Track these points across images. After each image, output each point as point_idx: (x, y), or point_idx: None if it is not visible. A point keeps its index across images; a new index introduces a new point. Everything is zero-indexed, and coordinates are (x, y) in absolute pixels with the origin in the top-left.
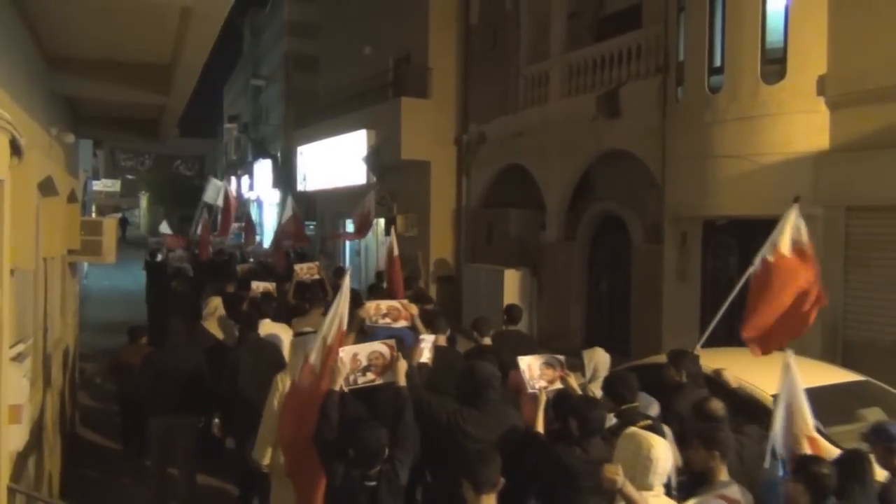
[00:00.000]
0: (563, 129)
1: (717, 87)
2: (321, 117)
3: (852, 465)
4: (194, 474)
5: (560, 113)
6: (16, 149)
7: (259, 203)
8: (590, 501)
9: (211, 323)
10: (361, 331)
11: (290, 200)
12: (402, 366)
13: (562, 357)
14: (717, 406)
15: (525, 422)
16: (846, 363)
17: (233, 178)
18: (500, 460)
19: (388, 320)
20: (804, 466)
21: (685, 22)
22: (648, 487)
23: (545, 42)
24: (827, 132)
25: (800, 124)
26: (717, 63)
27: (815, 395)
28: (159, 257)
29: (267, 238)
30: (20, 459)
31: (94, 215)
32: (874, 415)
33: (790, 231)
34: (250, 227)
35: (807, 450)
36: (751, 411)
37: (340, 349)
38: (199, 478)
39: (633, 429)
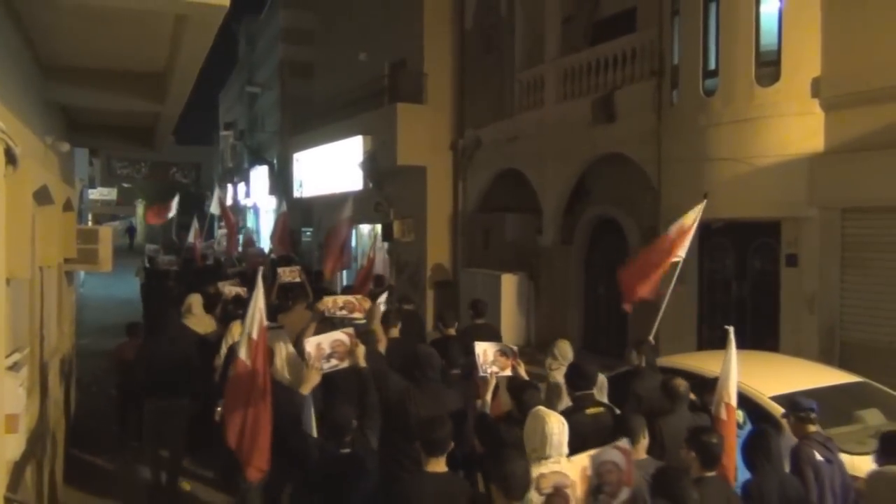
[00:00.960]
0: (559, 133)
1: (712, 90)
2: (317, 124)
3: (759, 440)
4: (181, 455)
5: (555, 117)
6: (10, 158)
7: (256, 210)
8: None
9: (188, 318)
10: (323, 321)
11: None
12: (361, 350)
13: (515, 347)
14: (681, 383)
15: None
16: (843, 364)
17: (229, 186)
18: (449, 428)
19: (344, 312)
20: (696, 436)
21: (679, 25)
22: (547, 457)
23: (540, 46)
24: (822, 134)
25: (794, 126)
26: (712, 66)
27: (813, 396)
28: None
29: (264, 243)
30: (17, 469)
31: (90, 224)
32: (872, 416)
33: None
34: (233, 234)
35: (723, 416)
36: (746, 405)
37: (306, 340)
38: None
39: (537, 408)
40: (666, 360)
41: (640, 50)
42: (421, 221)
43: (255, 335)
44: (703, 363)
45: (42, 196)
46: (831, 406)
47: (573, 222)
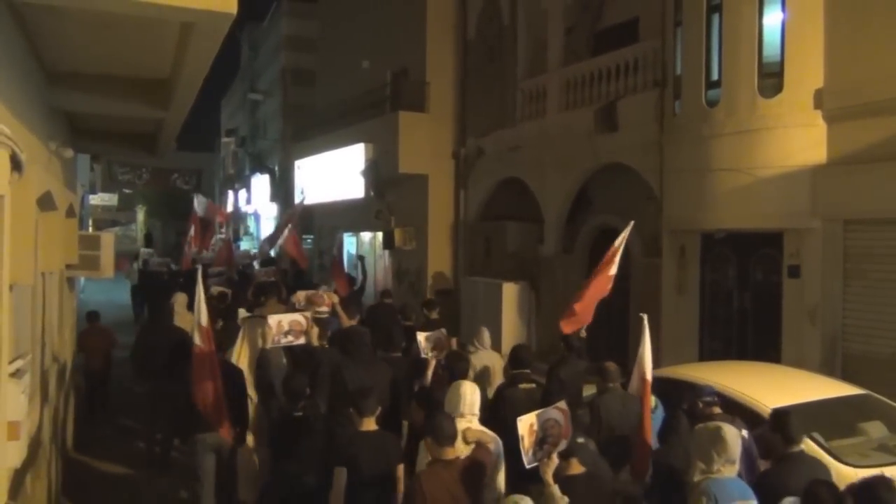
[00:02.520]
0: (561, 142)
1: (715, 100)
2: (319, 131)
3: (672, 421)
4: (173, 434)
5: (558, 126)
6: (16, 164)
7: (256, 217)
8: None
9: (174, 315)
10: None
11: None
12: (315, 331)
13: (444, 331)
14: (611, 366)
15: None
16: (845, 376)
17: (229, 192)
18: (376, 395)
19: (313, 307)
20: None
21: (682, 36)
22: (462, 415)
23: (542, 56)
24: (824, 146)
25: (797, 138)
26: (715, 77)
27: (815, 408)
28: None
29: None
30: (17, 476)
31: (90, 230)
32: (875, 428)
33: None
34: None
35: (638, 391)
36: (748, 418)
37: (269, 317)
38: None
39: (459, 380)
40: (666, 371)
41: (643, 60)
42: (422, 230)
43: (203, 322)
44: (704, 374)
45: (45, 202)
46: (834, 418)
47: (575, 232)
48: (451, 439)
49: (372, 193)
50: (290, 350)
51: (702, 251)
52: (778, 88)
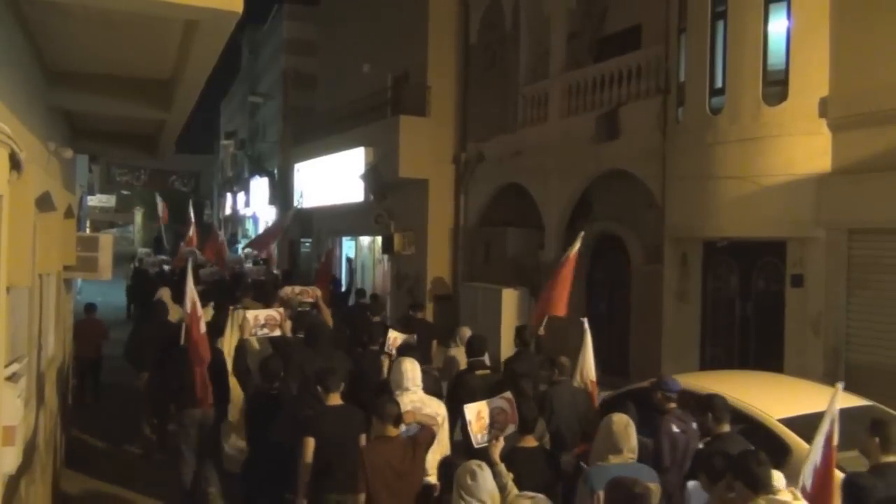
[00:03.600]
0: (563, 148)
1: (719, 108)
2: (319, 135)
3: (619, 408)
4: (167, 421)
5: (559, 132)
6: (15, 163)
7: (255, 219)
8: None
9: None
10: (283, 304)
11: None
12: (287, 324)
13: (414, 337)
14: (564, 360)
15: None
16: (849, 387)
17: (227, 195)
18: (340, 374)
19: (300, 298)
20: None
21: (686, 43)
22: (406, 389)
23: (544, 62)
24: (829, 154)
25: (801, 146)
26: (719, 84)
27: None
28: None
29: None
30: (12, 482)
31: (88, 231)
32: None
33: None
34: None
35: (589, 389)
36: (753, 433)
37: (248, 312)
38: None
39: (400, 358)
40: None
41: (646, 66)
42: (421, 234)
43: (189, 309)
44: (706, 383)
45: (44, 202)
46: (841, 429)
47: (575, 238)
48: (392, 418)
49: (371, 198)
50: (271, 339)
51: (704, 259)
52: (782, 96)
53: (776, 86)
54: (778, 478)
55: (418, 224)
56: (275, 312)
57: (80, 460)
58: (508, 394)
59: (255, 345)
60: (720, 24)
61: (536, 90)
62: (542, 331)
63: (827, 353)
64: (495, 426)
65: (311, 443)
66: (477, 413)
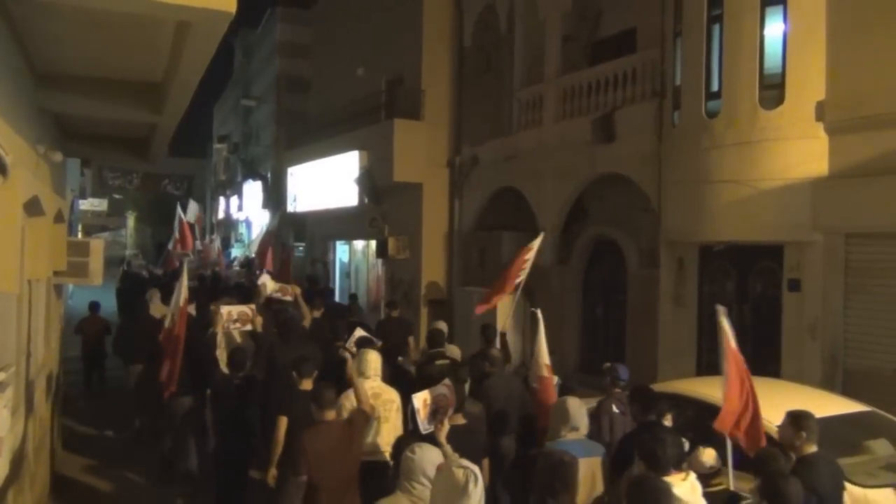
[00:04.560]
0: (558, 152)
1: (715, 111)
2: (312, 138)
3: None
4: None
5: (554, 136)
6: (1, 167)
7: (248, 224)
8: None
9: (150, 306)
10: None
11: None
12: (258, 320)
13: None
14: (495, 352)
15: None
16: (846, 392)
17: (220, 199)
18: (313, 363)
19: (279, 294)
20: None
21: (682, 47)
22: (367, 377)
23: (539, 65)
24: (826, 158)
25: (798, 150)
26: (715, 88)
27: (821, 425)
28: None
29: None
30: None
31: (80, 235)
32: (881, 446)
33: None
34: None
35: (545, 374)
36: None
37: (222, 308)
38: None
39: (364, 349)
40: (664, 386)
41: (641, 70)
42: (416, 239)
43: (182, 304)
44: (704, 389)
45: (33, 207)
46: (839, 436)
47: (571, 242)
48: (330, 404)
49: (366, 202)
50: (251, 334)
51: (700, 263)
52: (779, 100)
53: (773, 89)
54: (709, 455)
55: (413, 228)
56: (247, 308)
57: (77, 443)
58: (448, 380)
59: (237, 338)
60: (716, 28)
61: (531, 93)
62: (503, 327)
63: (824, 358)
64: (439, 411)
65: (283, 421)
66: (423, 401)
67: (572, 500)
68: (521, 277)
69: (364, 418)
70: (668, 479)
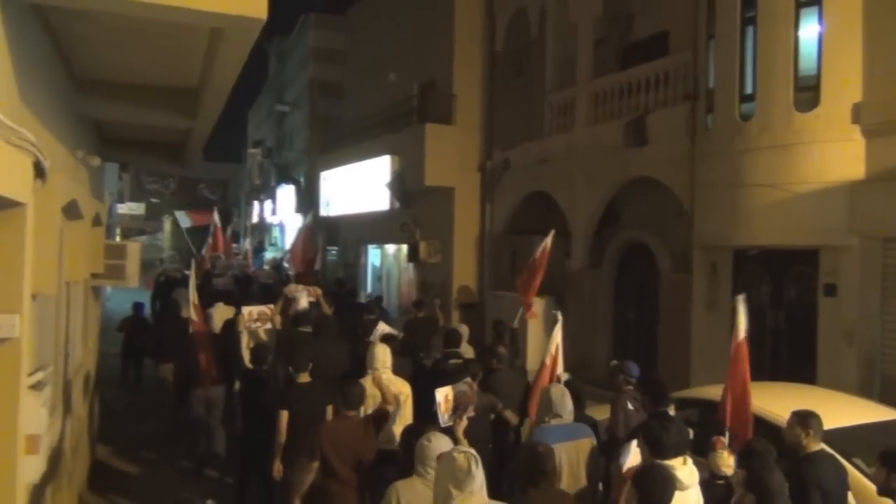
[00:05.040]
0: (589, 156)
1: (749, 114)
2: (345, 143)
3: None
4: (180, 404)
5: (586, 140)
6: (39, 171)
7: (282, 227)
8: None
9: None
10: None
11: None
12: (277, 319)
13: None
14: (502, 350)
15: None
16: (884, 399)
17: (255, 203)
18: (306, 359)
19: (303, 294)
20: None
21: (715, 49)
22: (375, 369)
23: (571, 69)
24: (862, 161)
25: (834, 153)
26: (748, 90)
27: (857, 432)
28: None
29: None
30: (37, 490)
31: (118, 238)
32: None
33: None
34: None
35: (548, 363)
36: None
37: (243, 308)
38: None
39: (373, 343)
40: (698, 392)
41: (674, 73)
42: (447, 243)
43: (194, 301)
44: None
45: (71, 210)
46: (877, 444)
47: (602, 246)
48: (358, 403)
49: (397, 206)
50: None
51: (734, 268)
52: (814, 102)
53: (808, 91)
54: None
55: (444, 232)
56: (266, 308)
57: (111, 435)
58: (469, 379)
59: (263, 336)
60: (750, 30)
61: (563, 97)
62: (515, 324)
63: (861, 364)
64: (459, 408)
65: (284, 415)
66: (445, 396)
67: (551, 485)
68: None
69: (386, 415)
70: (669, 462)
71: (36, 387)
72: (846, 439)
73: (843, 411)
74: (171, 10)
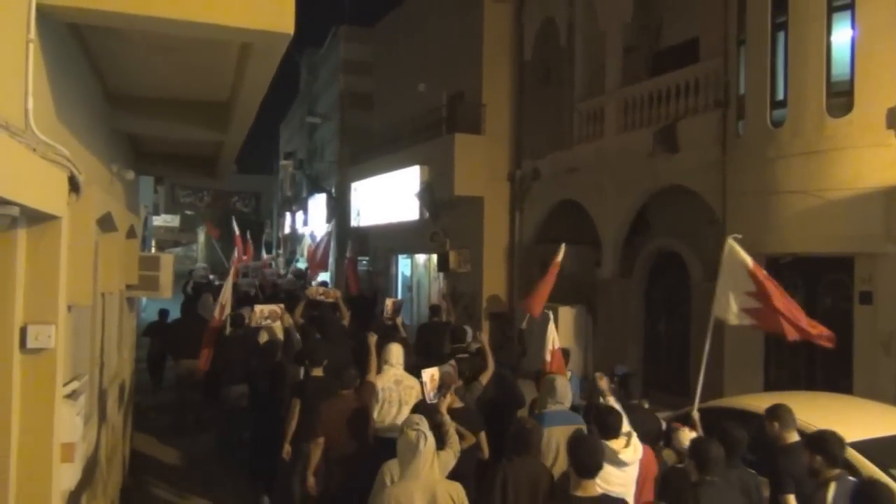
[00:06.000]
0: (619, 164)
1: (781, 120)
2: (375, 154)
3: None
4: (200, 403)
5: (616, 148)
6: (74, 185)
7: (313, 238)
8: None
9: (202, 310)
10: (310, 301)
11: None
12: (287, 318)
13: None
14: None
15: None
16: None
17: (287, 214)
18: (321, 352)
19: (322, 297)
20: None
21: (745, 55)
22: (391, 365)
23: (600, 77)
24: None
25: (869, 159)
26: (780, 96)
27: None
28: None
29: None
30: (72, 499)
31: (153, 250)
32: None
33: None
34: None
35: (547, 357)
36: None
37: (255, 307)
38: None
39: (390, 342)
40: (728, 401)
41: (704, 80)
42: (477, 252)
43: (223, 302)
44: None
45: (106, 223)
46: None
47: (633, 255)
48: (350, 383)
49: (427, 216)
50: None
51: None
52: (848, 108)
53: (841, 97)
54: (686, 435)
55: (474, 242)
56: (276, 308)
57: (145, 427)
58: (453, 362)
59: (279, 333)
60: (781, 35)
61: (592, 106)
62: (523, 325)
63: None
64: (444, 386)
65: (297, 403)
66: (430, 376)
67: (534, 458)
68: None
69: (369, 388)
70: (611, 441)
71: (71, 396)
72: (883, 450)
73: (880, 421)
74: (201, 26)
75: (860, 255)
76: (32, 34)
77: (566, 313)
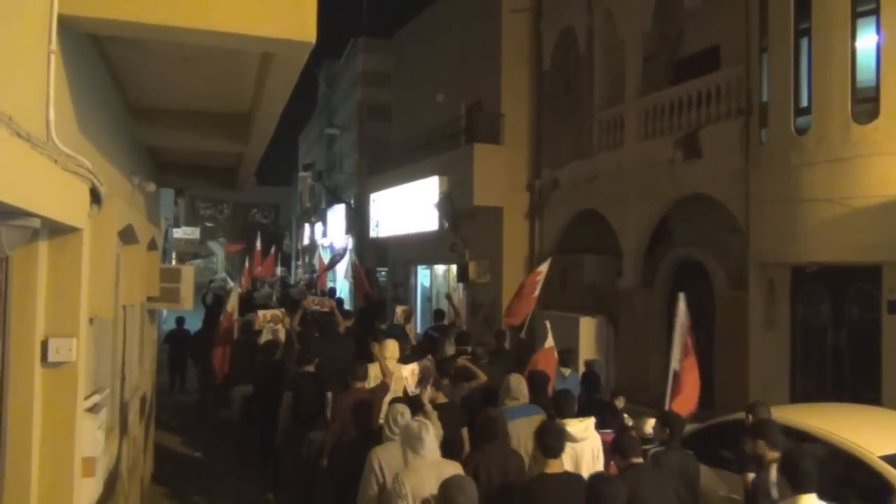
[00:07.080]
0: (640, 173)
1: (805, 128)
2: (394, 164)
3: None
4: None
5: (636, 157)
6: (95, 197)
7: (332, 249)
8: None
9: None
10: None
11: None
12: (286, 320)
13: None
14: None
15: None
16: None
17: (306, 226)
18: (314, 352)
19: (316, 307)
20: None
21: (768, 62)
22: (387, 358)
23: (620, 86)
24: None
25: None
26: (804, 103)
27: None
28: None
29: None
30: None
31: (173, 262)
32: None
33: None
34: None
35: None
36: (852, 471)
37: (259, 311)
38: None
39: (386, 338)
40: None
41: (726, 87)
42: (496, 262)
43: (230, 309)
44: (801, 417)
45: (127, 235)
46: None
47: (654, 264)
48: (362, 377)
49: (446, 226)
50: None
51: (792, 285)
52: (874, 114)
53: (866, 103)
54: (649, 424)
55: (493, 252)
56: (278, 312)
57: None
58: (430, 356)
59: (281, 335)
60: (804, 42)
61: (612, 114)
62: (523, 334)
63: None
64: (424, 380)
65: (289, 396)
66: (411, 371)
67: (502, 443)
68: (536, 293)
69: (385, 388)
70: (568, 421)
71: (92, 409)
72: None
73: None
74: (222, 36)
75: (887, 263)
76: (54, 45)
77: (587, 324)
